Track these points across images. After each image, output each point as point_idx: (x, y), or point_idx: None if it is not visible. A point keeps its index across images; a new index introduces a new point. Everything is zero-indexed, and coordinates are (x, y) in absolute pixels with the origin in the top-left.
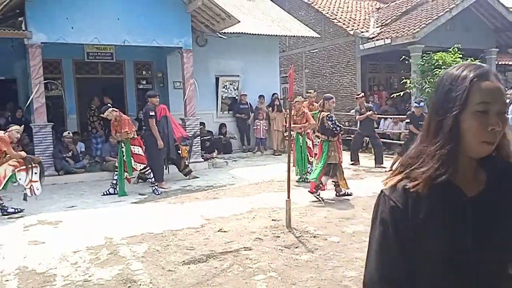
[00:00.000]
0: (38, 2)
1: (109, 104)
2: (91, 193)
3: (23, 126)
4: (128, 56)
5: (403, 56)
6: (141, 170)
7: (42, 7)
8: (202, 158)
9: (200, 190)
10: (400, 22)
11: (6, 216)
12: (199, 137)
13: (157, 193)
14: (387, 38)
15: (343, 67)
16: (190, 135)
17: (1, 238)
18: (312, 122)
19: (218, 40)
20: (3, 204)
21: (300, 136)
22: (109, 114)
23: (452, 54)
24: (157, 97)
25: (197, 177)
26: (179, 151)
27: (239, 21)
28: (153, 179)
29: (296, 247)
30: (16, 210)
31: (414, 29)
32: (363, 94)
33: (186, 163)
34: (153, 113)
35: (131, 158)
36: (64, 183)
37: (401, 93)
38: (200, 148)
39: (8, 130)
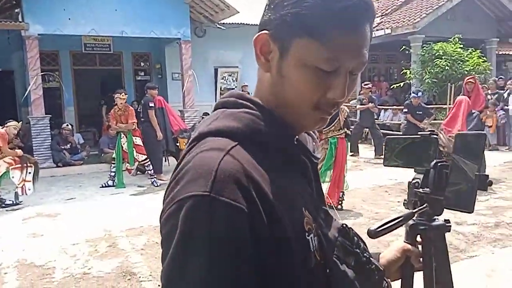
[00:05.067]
0: None
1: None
2: (89, 185)
3: (20, 122)
4: (126, 47)
5: (403, 47)
6: (142, 161)
7: None
8: None
9: None
10: (401, 11)
11: (5, 208)
12: None
13: (156, 185)
14: (387, 28)
15: None
16: (188, 127)
17: (0, 230)
18: None
19: (216, 30)
20: (1, 197)
21: None
22: (120, 99)
23: (453, 44)
24: (156, 89)
25: None
26: (178, 144)
27: (238, 12)
28: (152, 171)
29: None
30: (14, 202)
31: (415, 19)
32: (370, 85)
33: None
34: (152, 104)
35: (133, 148)
36: (63, 175)
37: (401, 84)
38: None
39: (5, 125)
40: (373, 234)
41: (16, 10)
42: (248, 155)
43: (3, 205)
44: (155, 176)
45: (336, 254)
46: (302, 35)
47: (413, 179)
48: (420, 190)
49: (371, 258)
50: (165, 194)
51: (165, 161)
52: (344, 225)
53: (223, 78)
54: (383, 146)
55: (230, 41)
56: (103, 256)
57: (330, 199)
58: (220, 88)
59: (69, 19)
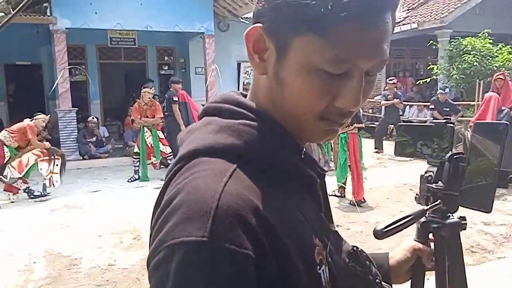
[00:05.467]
0: None
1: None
2: (114, 178)
3: (49, 115)
4: (150, 42)
5: (430, 41)
6: (168, 154)
7: None
8: None
9: None
10: (428, 6)
11: (33, 199)
12: None
13: None
14: (413, 22)
15: None
16: None
17: (29, 220)
18: None
19: (240, 25)
20: (30, 188)
21: None
22: (148, 93)
23: (482, 39)
24: (180, 84)
25: None
26: None
27: None
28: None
29: None
30: (42, 194)
31: (442, 13)
32: (395, 81)
33: None
34: (176, 99)
35: (159, 142)
36: (88, 168)
37: (428, 80)
38: None
39: (34, 118)
40: (379, 234)
41: (44, 4)
42: (250, 181)
43: (32, 196)
44: None
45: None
46: (303, 31)
47: (425, 172)
48: (433, 185)
49: (382, 284)
50: (151, 227)
51: None
52: (355, 248)
53: (245, 73)
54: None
55: None
56: (128, 248)
57: (355, 197)
58: (243, 83)
59: (96, 13)
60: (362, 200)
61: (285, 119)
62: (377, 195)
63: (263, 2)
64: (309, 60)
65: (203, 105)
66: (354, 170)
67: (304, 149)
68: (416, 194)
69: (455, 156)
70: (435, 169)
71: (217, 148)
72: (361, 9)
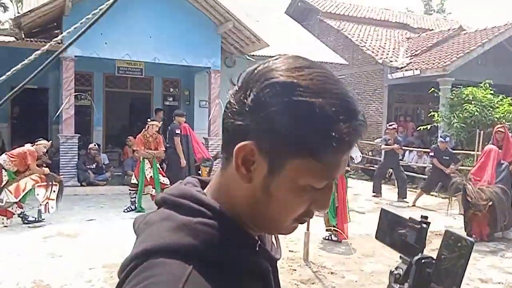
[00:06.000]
0: (75, 17)
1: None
2: (110, 207)
3: (50, 141)
4: (157, 73)
5: (432, 88)
6: (166, 185)
7: (77, 22)
8: None
9: None
10: (431, 53)
11: (27, 225)
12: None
13: None
14: (416, 69)
15: (370, 95)
16: (211, 156)
17: (20, 247)
18: None
19: (246, 61)
20: (24, 213)
21: None
22: (156, 126)
23: (483, 89)
24: (184, 117)
25: None
26: (200, 172)
27: (268, 45)
28: None
29: (313, 283)
30: (37, 219)
31: (445, 62)
32: (395, 126)
33: None
34: (178, 132)
35: (159, 174)
36: (86, 195)
37: (428, 127)
38: None
39: (36, 143)
40: None
41: (56, 31)
42: (206, 283)
43: (26, 221)
44: None
45: None
46: (302, 155)
47: (396, 268)
48: (398, 286)
49: None
50: None
51: None
52: None
53: None
54: (407, 190)
55: None
56: None
57: (340, 233)
58: None
59: (106, 43)
60: (345, 238)
61: (259, 220)
62: (374, 242)
63: (249, 119)
64: (301, 179)
65: (205, 138)
66: (341, 210)
67: (259, 240)
68: None
69: (422, 261)
70: (405, 267)
71: (174, 248)
72: (350, 140)
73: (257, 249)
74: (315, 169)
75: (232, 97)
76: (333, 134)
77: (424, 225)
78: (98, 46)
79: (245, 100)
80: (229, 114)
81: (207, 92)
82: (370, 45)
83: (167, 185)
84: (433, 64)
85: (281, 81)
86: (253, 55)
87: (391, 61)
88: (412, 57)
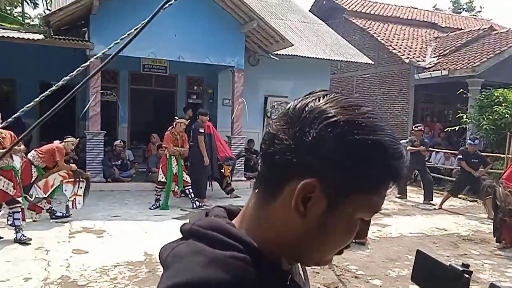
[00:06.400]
0: (102, 16)
1: None
2: (134, 203)
3: (78, 139)
4: (181, 71)
5: (461, 89)
6: (188, 183)
7: (104, 21)
8: (245, 177)
9: None
10: (460, 53)
11: (55, 220)
12: (243, 156)
13: (195, 206)
14: (444, 69)
15: (395, 95)
16: (234, 155)
17: (48, 243)
18: None
19: (270, 60)
20: (52, 208)
21: None
22: (183, 124)
23: None
24: (207, 116)
25: (239, 197)
26: (222, 170)
27: (293, 45)
28: (193, 194)
29: (336, 287)
30: (64, 215)
31: (474, 62)
32: (422, 127)
33: (229, 182)
34: (202, 130)
35: (183, 172)
36: (111, 190)
37: (456, 128)
38: (243, 167)
39: (64, 140)
40: None
41: (83, 29)
42: None
43: (54, 217)
44: (196, 199)
45: None
46: (362, 191)
47: None
48: None
49: None
50: None
51: (209, 186)
52: None
53: (272, 107)
54: (433, 192)
55: (282, 71)
56: (143, 282)
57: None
58: (268, 116)
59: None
60: (364, 241)
61: (303, 255)
62: (399, 246)
63: (313, 157)
64: (358, 213)
65: (228, 136)
66: None
67: (290, 275)
68: None
69: None
70: None
71: (206, 284)
72: (400, 174)
73: (288, 283)
74: (371, 203)
75: (282, 133)
76: (393, 169)
77: (466, 275)
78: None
79: (304, 138)
80: (280, 149)
81: (231, 91)
82: (396, 45)
83: (188, 183)
84: (462, 64)
85: (342, 120)
86: (277, 54)
87: (418, 61)
88: (440, 57)
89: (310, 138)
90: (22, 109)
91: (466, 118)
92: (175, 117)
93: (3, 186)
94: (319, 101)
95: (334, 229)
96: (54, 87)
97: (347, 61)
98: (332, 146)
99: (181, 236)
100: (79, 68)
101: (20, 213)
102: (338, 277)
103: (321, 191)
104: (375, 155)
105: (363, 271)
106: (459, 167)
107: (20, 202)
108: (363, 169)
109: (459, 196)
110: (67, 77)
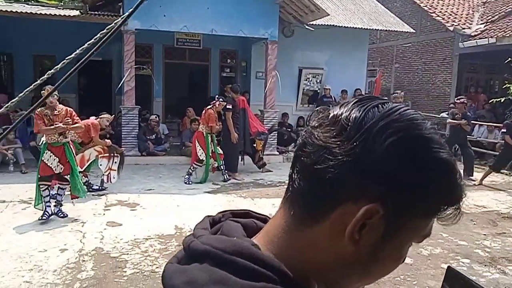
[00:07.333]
0: None
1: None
2: (168, 177)
3: (113, 115)
4: (214, 44)
5: (509, 58)
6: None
7: None
8: (277, 151)
9: (272, 186)
10: (510, 19)
11: (91, 193)
12: (276, 131)
13: (226, 179)
14: (492, 37)
15: (438, 65)
16: (267, 129)
17: (84, 215)
18: None
19: (305, 31)
20: (89, 181)
21: None
22: (221, 105)
23: None
24: (237, 92)
25: (271, 171)
26: (255, 145)
27: (328, 14)
28: (224, 167)
29: None
30: (100, 188)
31: None
32: (465, 100)
33: (261, 156)
34: (230, 107)
35: (217, 147)
36: (146, 164)
37: (502, 99)
38: (276, 141)
39: (100, 117)
40: None
41: (119, 4)
42: None
43: (91, 190)
44: (227, 172)
45: None
46: (424, 215)
47: None
48: None
49: None
50: None
51: (241, 160)
52: None
53: (306, 80)
54: (473, 167)
55: (317, 42)
56: (172, 255)
57: None
58: (303, 90)
59: (164, 15)
60: None
61: (342, 284)
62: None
63: (376, 176)
64: (414, 238)
65: (260, 110)
66: None
67: None
68: None
69: None
70: None
71: None
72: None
73: None
74: (427, 227)
75: (335, 146)
76: (458, 190)
77: None
78: (157, 19)
79: (368, 155)
80: (334, 167)
81: (264, 63)
82: (440, 11)
83: (223, 156)
84: (511, 31)
85: (413, 135)
86: (312, 24)
87: (463, 28)
88: (487, 23)
89: (374, 156)
90: (12, 101)
91: None
92: (216, 96)
93: (49, 161)
94: (378, 111)
95: (385, 257)
96: (53, 70)
97: (386, 30)
98: (400, 165)
99: (183, 249)
100: (89, 41)
101: (64, 190)
102: None
103: (381, 217)
104: (444, 175)
105: None
106: (503, 141)
107: (67, 180)
108: (430, 191)
109: (502, 171)
110: (72, 55)
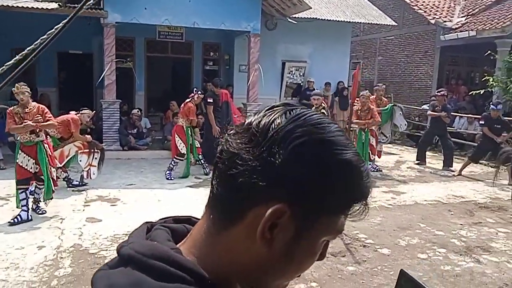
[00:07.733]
0: None
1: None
2: (150, 171)
3: (94, 111)
4: (197, 37)
5: (489, 51)
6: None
7: None
8: None
9: None
10: (490, 12)
11: (71, 188)
12: None
13: (207, 172)
14: (472, 30)
15: (420, 57)
16: None
17: (63, 211)
18: (378, 119)
19: (288, 24)
20: (69, 177)
21: (363, 133)
22: (199, 98)
23: None
24: (218, 86)
25: None
26: None
27: (311, 7)
28: (202, 161)
29: (343, 256)
30: (80, 183)
31: (504, 22)
32: (445, 92)
33: None
34: (211, 100)
35: (195, 141)
36: (127, 159)
37: (481, 91)
38: None
39: (80, 112)
40: None
41: None
42: None
43: (70, 185)
44: (208, 166)
45: None
46: (332, 213)
47: None
48: None
49: None
50: None
51: None
52: None
53: (289, 73)
54: (453, 158)
55: (300, 34)
56: None
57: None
58: (286, 83)
59: (145, 9)
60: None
61: (262, 283)
62: (411, 214)
63: (282, 179)
64: (325, 236)
65: (243, 104)
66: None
67: None
68: None
69: None
70: None
71: None
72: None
73: None
74: (338, 224)
75: (245, 152)
76: (363, 188)
77: None
78: (138, 12)
79: (273, 159)
80: (244, 171)
81: (247, 57)
82: (422, 4)
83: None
84: (491, 24)
85: (314, 139)
86: (295, 17)
87: (444, 21)
88: (468, 16)
89: (279, 160)
90: None
91: (492, 81)
92: (195, 89)
93: (23, 163)
94: (285, 118)
95: (299, 255)
96: (17, 57)
97: (369, 23)
98: (303, 168)
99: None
100: (49, 32)
101: (42, 189)
102: (346, 246)
103: (290, 217)
104: (347, 174)
105: (372, 240)
106: (482, 133)
107: (43, 180)
108: (335, 190)
109: (480, 162)
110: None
